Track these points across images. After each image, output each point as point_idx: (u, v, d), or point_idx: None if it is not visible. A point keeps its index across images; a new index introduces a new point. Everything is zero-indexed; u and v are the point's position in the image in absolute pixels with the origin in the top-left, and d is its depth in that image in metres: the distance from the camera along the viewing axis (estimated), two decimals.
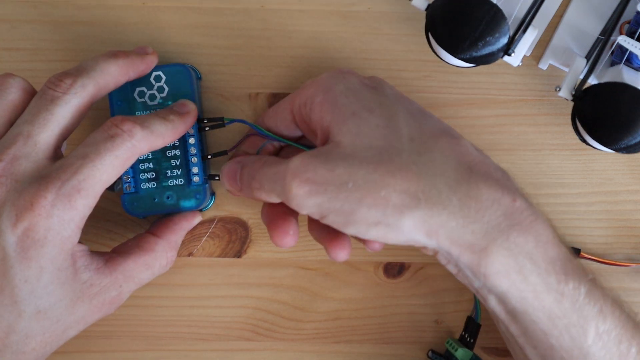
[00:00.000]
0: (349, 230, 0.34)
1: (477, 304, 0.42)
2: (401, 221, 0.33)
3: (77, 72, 0.37)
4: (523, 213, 0.35)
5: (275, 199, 0.37)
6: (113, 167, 0.35)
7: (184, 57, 0.44)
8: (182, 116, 0.39)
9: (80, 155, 0.35)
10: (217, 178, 0.41)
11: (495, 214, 0.34)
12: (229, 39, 0.44)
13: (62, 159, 0.35)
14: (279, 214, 0.39)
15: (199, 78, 0.44)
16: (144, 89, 0.41)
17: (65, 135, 0.37)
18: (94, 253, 0.37)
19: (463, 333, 0.43)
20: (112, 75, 0.38)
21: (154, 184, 0.41)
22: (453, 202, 0.34)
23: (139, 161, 0.41)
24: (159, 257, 0.40)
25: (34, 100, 0.37)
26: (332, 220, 0.34)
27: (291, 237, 0.38)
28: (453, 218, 0.33)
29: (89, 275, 0.36)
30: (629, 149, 0.38)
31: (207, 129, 0.42)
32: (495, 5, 0.38)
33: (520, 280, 0.34)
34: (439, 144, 0.35)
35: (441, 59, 0.41)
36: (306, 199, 0.34)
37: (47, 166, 0.35)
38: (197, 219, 0.42)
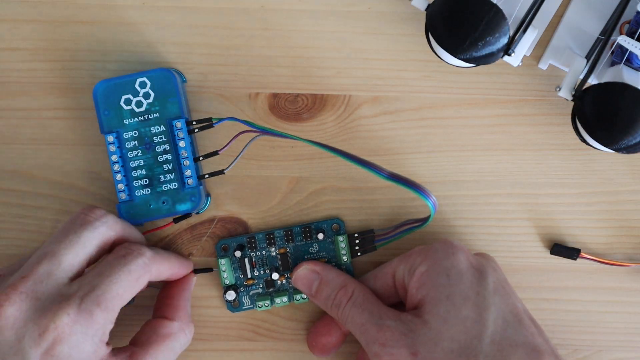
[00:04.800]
0: None
1: None
2: None
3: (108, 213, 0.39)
4: None
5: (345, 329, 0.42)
6: (128, 281, 0.37)
7: (184, 57, 0.44)
8: (185, 259, 0.43)
9: (95, 273, 0.37)
10: (207, 176, 0.42)
11: None
12: (229, 39, 0.44)
13: (79, 278, 0.37)
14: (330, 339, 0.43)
15: (184, 81, 0.44)
16: (130, 96, 0.41)
17: (89, 260, 0.38)
18: (118, 354, 0.37)
19: None
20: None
21: (148, 190, 0.42)
22: None
23: (131, 168, 0.41)
24: (178, 337, 0.40)
25: (65, 223, 0.38)
26: None
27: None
28: None
29: None
30: (629, 149, 0.38)
31: (196, 130, 0.42)
32: (495, 5, 0.38)
33: None
34: (516, 356, 0.35)
35: (441, 59, 0.41)
36: None
37: (67, 285, 0.36)
38: (192, 280, 0.43)
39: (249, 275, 0.43)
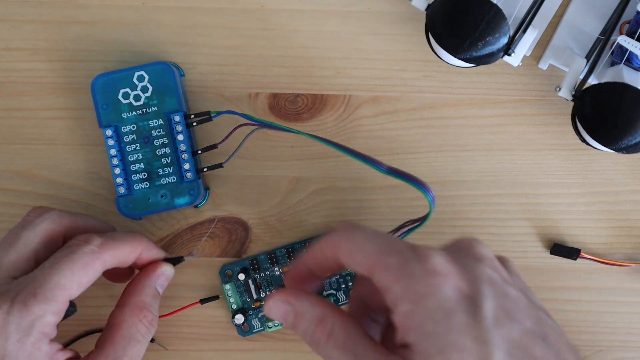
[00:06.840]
0: None
1: None
2: None
3: (54, 209, 0.39)
4: None
5: None
6: (71, 270, 0.36)
7: (184, 56, 0.44)
8: (135, 234, 0.40)
9: (40, 267, 0.36)
10: (205, 170, 0.42)
11: None
12: (229, 39, 0.44)
13: (24, 275, 0.36)
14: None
15: (182, 75, 0.44)
16: (128, 90, 0.41)
17: (36, 258, 0.37)
18: (67, 350, 0.36)
19: None
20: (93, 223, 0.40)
21: (147, 184, 0.42)
22: None
23: (130, 162, 0.41)
24: (132, 324, 0.38)
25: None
26: None
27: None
28: None
29: None
30: (629, 149, 0.38)
31: (194, 124, 0.42)
32: (495, 5, 0.38)
33: None
34: None
35: (441, 59, 0.41)
36: None
37: (8, 283, 0.36)
38: (162, 272, 0.40)
39: (255, 297, 0.43)
